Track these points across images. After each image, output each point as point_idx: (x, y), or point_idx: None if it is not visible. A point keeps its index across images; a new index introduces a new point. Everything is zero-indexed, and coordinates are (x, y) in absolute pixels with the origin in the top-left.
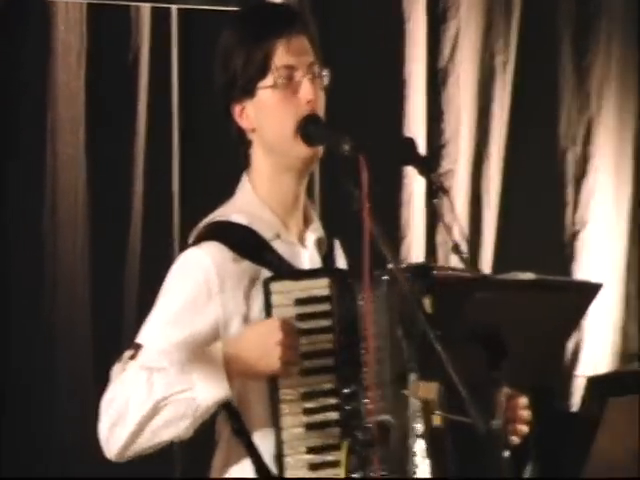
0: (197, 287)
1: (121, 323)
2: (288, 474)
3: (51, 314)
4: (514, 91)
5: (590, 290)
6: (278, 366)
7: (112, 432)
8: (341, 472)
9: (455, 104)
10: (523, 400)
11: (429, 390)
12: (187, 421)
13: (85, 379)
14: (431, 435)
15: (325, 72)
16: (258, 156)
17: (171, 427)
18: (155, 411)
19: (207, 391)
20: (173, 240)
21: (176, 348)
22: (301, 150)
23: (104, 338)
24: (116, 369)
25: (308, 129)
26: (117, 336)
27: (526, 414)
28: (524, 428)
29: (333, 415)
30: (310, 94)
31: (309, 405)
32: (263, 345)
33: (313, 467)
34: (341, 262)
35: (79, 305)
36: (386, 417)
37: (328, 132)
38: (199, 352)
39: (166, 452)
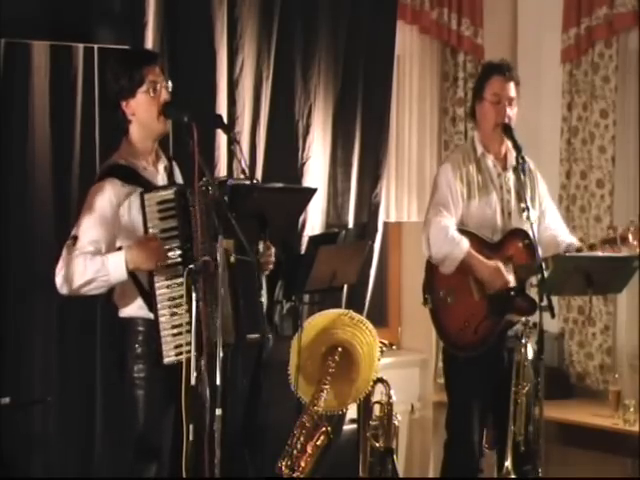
0: (103, 202)
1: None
2: (157, 292)
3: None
4: (272, 92)
5: (310, 192)
6: (153, 266)
7: (63, 286)
8: (183, 289)
9: (242, 98)
10: (272, 249)
11: (228, 244)
12: (103, 289)
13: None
14: (229, 267)
15: (170, 83)
16: (134, 128)
17: (95, 290)
18: (87, 283)
19: (114, 275)
20: (95, 172)
21: (98, 238)
22: (160, 127)
23: (60, 215)
24: (65, 248)
25: (166, 110)
26: (66, 216)
27: (273, 256)
28: (272, 262)
29: (179, 259)
30: (165, 96)
31: (168, 254)
32: (144, 251)
33: (167, 286)
34: (179, 177)
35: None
36: (207, 258)
37: (176, 111)
38: (114, 253)
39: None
